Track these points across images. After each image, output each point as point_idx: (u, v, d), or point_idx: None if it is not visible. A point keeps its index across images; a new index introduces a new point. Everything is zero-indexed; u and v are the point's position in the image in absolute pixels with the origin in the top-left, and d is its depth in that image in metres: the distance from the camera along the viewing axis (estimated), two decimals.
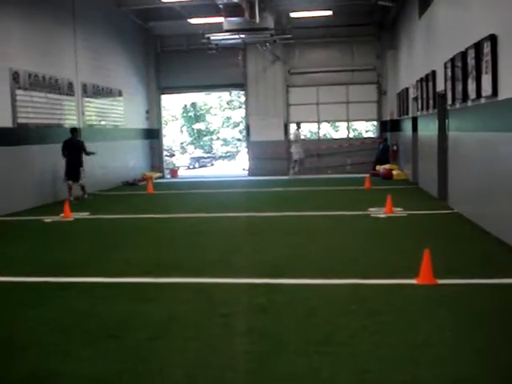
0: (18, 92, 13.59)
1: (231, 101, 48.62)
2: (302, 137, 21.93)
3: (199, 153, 47.61)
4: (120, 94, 20.15)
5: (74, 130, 15.15)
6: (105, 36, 18.88)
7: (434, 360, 4.16)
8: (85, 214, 12.44)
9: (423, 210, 11.61)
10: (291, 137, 22.10)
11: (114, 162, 17.70)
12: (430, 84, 13.40)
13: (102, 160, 16.44)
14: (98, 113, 18.28)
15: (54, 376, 4.10)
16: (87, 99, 17.42)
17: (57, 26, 15.76)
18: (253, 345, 4.57)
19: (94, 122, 17.69)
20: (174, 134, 48.60)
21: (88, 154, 15.20)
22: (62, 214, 12.05)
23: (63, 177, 14.85)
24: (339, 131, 41.80)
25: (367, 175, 18.19)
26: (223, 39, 20.38)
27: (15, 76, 13.46)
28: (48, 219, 11.84)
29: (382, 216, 11.00)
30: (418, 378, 3.89)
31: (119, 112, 20.10)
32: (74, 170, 14.88)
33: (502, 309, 5.32)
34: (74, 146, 14.99)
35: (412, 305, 5.50)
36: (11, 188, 13.00)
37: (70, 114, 16.35)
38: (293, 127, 22.47)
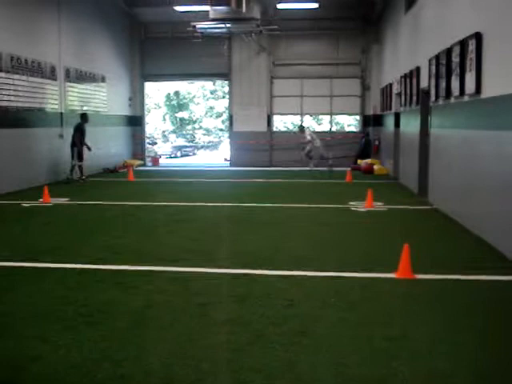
0: (0, 74, 13.41)
1: (215, 90, 48.41)
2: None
3: (181, 142, 47.34)
4: (103, 79, 19.97)
5: (81, 116, 16.49)
6: (89, 21, 18.68)
7: (411, 354, 4.17)
8: (64, 200, 12.33)
9: (403, 205, 11.67)
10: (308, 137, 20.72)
11: (95, 148, 17.51)
12: (414, 80, 13.43)
13: None
14: (80, 98, 18.10)
15: (31, 361, 4.05)
16: (70, 84, 17.25)
17: (41, 9, 15.55)
18: (230, 335, 4.55)
19: (77, 107, 17.52)
20: (156, 122, 48.32)
21: (73, 140, 16.19)
22: (41, 199, 11.93)
23: None
24: (322, 124, 41.77)
25: (348, 169, 18.23)
26: (209, 28, 20.25)
27: None
28: (26, 204, 11.72)
29: (363, 210, 11.04)
30: (394, 372, 3.89)
31: (102, 98, 19.92)
32: (71, 150, 16.25)
33: (479, 305, 5.36)
34: (74, 129, 16.25)
35: (390, 299, 5.52)
36: None
37: (52, 98, 16.17)
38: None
